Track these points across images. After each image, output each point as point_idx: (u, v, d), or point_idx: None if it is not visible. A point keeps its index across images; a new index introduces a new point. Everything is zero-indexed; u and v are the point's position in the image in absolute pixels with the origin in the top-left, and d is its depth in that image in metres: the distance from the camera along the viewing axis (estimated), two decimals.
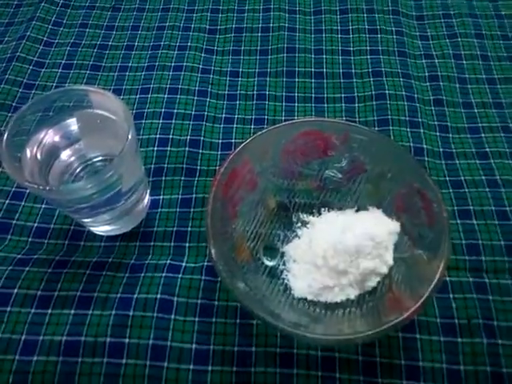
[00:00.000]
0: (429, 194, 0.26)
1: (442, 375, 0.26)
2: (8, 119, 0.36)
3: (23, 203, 0.32)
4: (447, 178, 0.33)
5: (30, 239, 0.30)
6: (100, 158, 0.29)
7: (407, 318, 0.22)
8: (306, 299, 0.27)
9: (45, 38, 0.41)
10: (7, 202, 0.32)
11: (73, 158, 0.29)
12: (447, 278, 0.29)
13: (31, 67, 0.39)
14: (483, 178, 0.33)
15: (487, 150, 0.34)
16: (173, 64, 0.39)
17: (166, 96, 0.37)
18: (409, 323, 0.26)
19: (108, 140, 0.28)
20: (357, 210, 0.30)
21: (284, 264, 0.29)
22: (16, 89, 0.37)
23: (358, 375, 0.26)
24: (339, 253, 0.27)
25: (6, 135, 0.24)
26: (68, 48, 0.40)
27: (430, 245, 0.25)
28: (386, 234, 0.27)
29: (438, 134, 0.35)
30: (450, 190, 0.32)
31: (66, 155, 0.29)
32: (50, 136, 0.27)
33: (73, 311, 0.27)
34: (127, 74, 0.39)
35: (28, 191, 0.32)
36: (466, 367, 0.26)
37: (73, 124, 0.28)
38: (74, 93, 0.27)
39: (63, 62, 0.40)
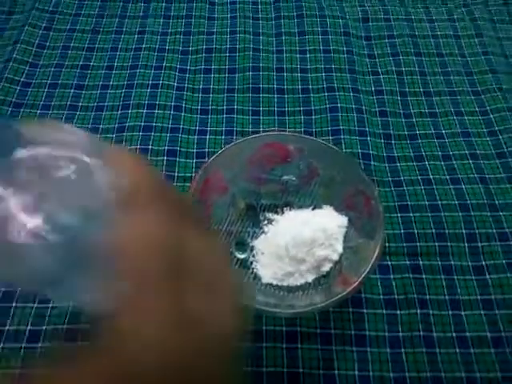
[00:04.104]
0: (368, 193, 0.31)
1: (384, 341, 0.31)
2: None
3: None
4: (389, 179, 0.39)
5: None
6: None
7: (351, 292, 0.27)
8: (271, 284, 0.32)
9: (30, 60, 0.45)
10: None
11: None
12: (388, 262, 0.34)
13: (19, 87, 0.43)
14: (419, 177, 0.39)
15: (423, 153, 0.41)
16: (150, 82, 0.44)
17: (144, 111, 0.41)
18: (357, 300, 0.32)
19: None
20: (313, 209, 0.35)
21: (253, 256, 0.34)
22: (6, 108, 0.41)
23: (317, 344, 0.31)
24: (298, 244, 0.32)
25: None
26: (52, 69, 0.44)
27: (370, 234, 0.30)
28: (336, 227, 0.33)
29: (382, 141, 0.41)
30: (392, 189, 0.38)
31: None
32: None
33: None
34: (109, 91, 0.43)
35: None
36: (403, 334, 0.32)
37: None
38: None
39: (48, 81, 0.43)
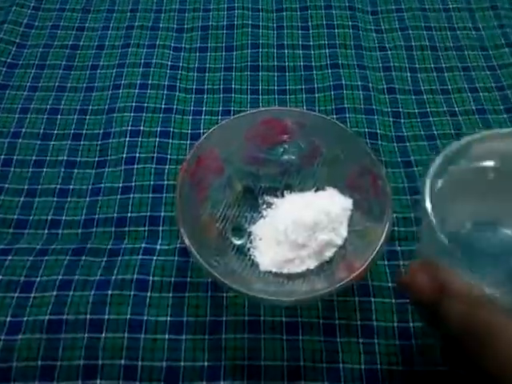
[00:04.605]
0: (375, 172, 0.29)
1: (393, 332, 0.29)
2: None
3: (3, 197, 0.34)
4: (399, 159, 0.36)
5: (11, 230, 0.32)
6: None
7: (355, 278, 0.25)
8: (270, 272, 0.30)
9: (17, 40, 0.42)
10: None
11: None
12: (397, 248, 0.32)
13: (5, 69, 0.40)
14: (430, 157, 0.36)
15: (434, 132, 0.38)
16: (142, 61, 0.41)
17: (136, 91, 0.39)
18: (363, 288, 0.30)
19: None
20: (315, 191, 0.32)
21: (251, 242, 0.31)
22: None
23: (319, 336, 0.29)
24: (298, 228, 0.29)
25: None
26: (40, 49, 0.42)
27: (377, 216, 0.28)
28: (340, 210, 0.30)
29: (390, 119, 0.38)
30: (401, 169, 0.35)
31: None
32: None
33: (54, 293, 0.29)
34: (98, 71, 0.41)
35: (6, 186, 0.34)
36: (414, 324, 0.29)
37: None
38: None
39: (36, 62, 0.41)
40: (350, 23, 0.44)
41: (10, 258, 0.30)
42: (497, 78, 0.41)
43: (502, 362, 0.16)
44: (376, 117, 0.38)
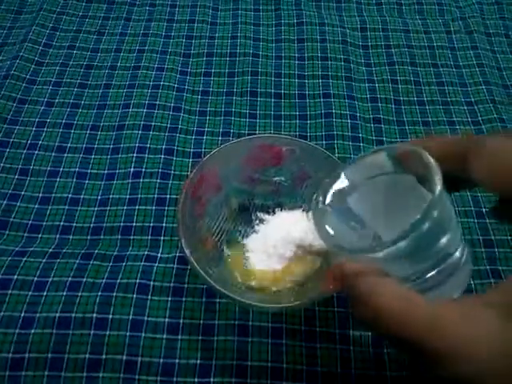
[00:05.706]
0: None
1: (368, 341, 0.32)
2: (4, 130, 0.41)
3: (19, 203, 0.37)
4: None
5: (26, 234, 0.35)
6: None
7: (331, 290, 0.28)
8: None
9: (36, 58, 0.46)
10: (5, 202, 0.37)
11: None
12: None
13: (24, 84, 0.44)
14: None
15: None
16: (151, 83, 0.45)
17: (144, 110, 0.43)
18: (342, 300, 0.33)
19: None
20: (303, 210, 0.36)
21: (244, 254, 0.35)
22: (11, 103, 0.42)
23: (301, 341, 0.32)
24: (286, 243, 0.33)
25: None
26: (57, 68, 0.46)
27: None
28: None
29: (375, 146, 0.42)
30: None
31: None
32: None
33: (65, 293, 0.32)
34: (110, 91, 0.45)
35: (23, 193, 0.37)
36: None
37: None
38: None
39: (53, 80, 0.45)
40: (342, 56, 0.48)
41: (24, 259, 0.33)
42: (473, 113, 0.45)
43: (377, 318, 0.18)
44: (361, 144, 0.42)
